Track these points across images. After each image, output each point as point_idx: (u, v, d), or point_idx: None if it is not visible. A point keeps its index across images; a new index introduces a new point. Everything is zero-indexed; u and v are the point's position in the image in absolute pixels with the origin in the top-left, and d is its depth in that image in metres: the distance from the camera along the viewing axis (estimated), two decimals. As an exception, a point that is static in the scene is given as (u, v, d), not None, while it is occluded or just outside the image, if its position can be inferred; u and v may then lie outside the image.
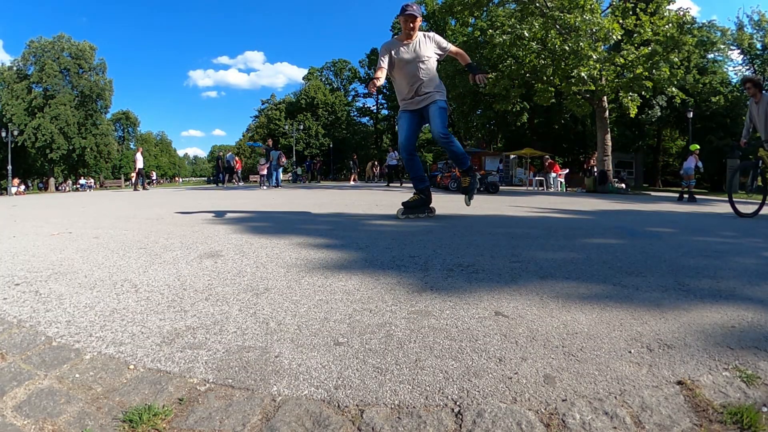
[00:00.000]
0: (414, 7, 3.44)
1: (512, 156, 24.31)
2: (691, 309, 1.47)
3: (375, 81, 3.34)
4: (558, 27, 14.78)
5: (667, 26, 14.80)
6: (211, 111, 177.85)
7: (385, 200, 7.16)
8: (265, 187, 14.11)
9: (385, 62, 3.50)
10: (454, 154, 3.77)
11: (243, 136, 56.10)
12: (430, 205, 3.93)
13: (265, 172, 15.31)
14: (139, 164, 15.56)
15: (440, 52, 3.67)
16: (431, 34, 3.71)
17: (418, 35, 3.60)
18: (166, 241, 2.62)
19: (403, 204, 3.83)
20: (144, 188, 15.96)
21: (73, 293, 1.58)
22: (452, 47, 3.72)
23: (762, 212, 5.11)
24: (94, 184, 33.37)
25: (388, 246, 2.52)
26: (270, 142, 16.57)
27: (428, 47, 3.59)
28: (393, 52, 3.52)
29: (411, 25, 3.49)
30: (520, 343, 1.19)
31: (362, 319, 1.35)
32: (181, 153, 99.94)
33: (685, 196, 10.20)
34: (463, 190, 3.79)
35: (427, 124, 3.75)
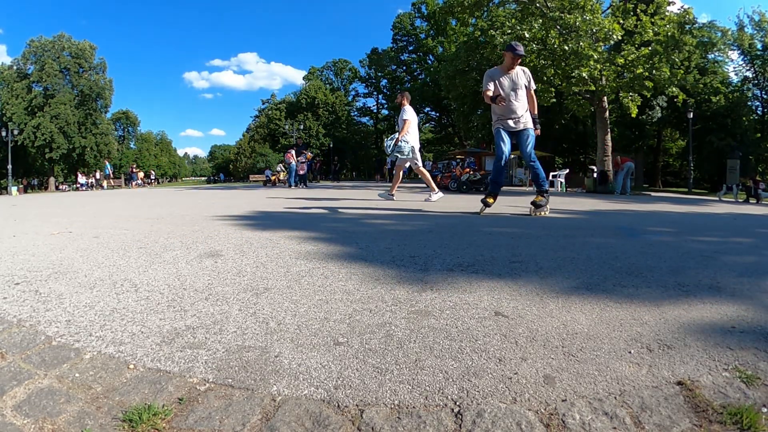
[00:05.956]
0: (522, 48, 4.28)
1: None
2: (691, 309, 1.47)
3: (498, 98, 4.12)
4: (558, 27, 14.76)
5: (668, 26, 14.77)
6: (209, 112, 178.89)
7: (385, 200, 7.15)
8: (299, 187, 14.16)
9: (491, 86, 4.32)
10: (536, 176, 4.51)
11: (243, 136, 56.10)
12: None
13: (303, 171, 15.42)
14: None
15: (527, 86, 4.41)
16: (526, 69, 4.42)
17: (517, 68, 4.37)
18: (166, 241, 2.62)
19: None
20: None
21: (73, 293, 1.58)
22: (533, 88, 4.45)
23: (762, 211, 5.11)
24: (96, 178, 30.36)
25: (388, 246, 2.52)
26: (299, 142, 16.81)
27: (522, 79, 4.36)
28: (496, 79, 4.36)
29: (518, 61, 4.32)
30: (520, 343, 1.19)
31: (362, 319, 1.35)
32: (180, 152, 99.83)
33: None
34: (534, 204, 4.51)
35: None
